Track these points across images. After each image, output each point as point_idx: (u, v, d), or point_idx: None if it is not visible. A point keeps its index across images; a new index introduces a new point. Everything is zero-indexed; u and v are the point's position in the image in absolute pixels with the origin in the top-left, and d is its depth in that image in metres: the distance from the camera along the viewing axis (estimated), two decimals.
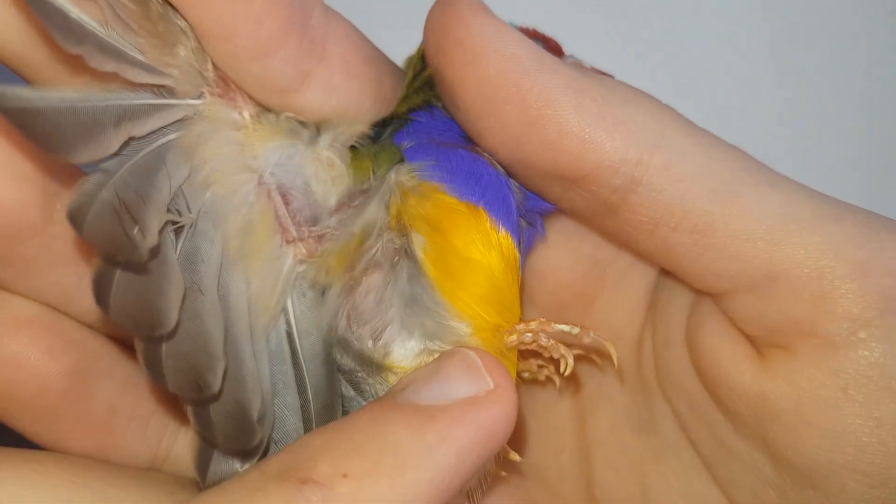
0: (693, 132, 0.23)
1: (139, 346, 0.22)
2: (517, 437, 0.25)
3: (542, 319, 0.24)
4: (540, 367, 0.26)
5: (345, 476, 0.19)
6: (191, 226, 0.23)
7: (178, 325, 0.22)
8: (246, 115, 0.24)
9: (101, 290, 0.21)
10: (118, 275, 0.21)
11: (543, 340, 0.24)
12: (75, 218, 0.20)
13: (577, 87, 0.23)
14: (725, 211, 0.23)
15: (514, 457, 0.24)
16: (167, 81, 0.22)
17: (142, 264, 0.21)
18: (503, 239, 0.24)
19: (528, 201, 0.26)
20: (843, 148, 0.49)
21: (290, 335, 0.25)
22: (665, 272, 0.27)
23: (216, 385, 0.22)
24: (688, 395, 0.26)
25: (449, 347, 0.23)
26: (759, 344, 0.24)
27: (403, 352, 0.24)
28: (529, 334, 0.24)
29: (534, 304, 0.29)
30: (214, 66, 0.23)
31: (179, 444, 0.27)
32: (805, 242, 0.22)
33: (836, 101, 0.48)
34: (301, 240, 0.24)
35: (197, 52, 0.23)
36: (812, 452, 0.23)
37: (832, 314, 0.22)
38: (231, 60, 0.22)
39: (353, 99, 0.24)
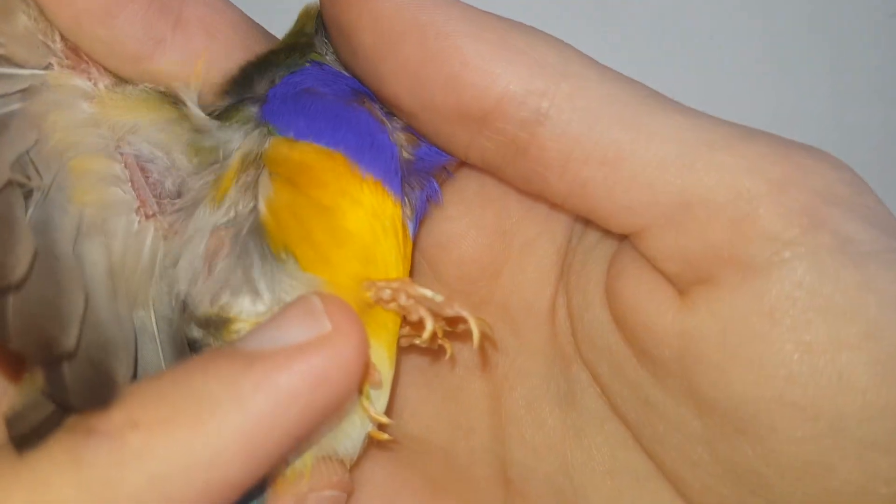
0: (596, 64, 0.22)
1: None
2: (388, 404, 0.23)
3: (407, 280, 0.22)
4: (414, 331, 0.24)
5: (135, 425, 0.18)
6: (43, 192, 0.22)
7: (25, 281, 0.20)
8: (100, 85, 0.23)
9: None
10: None
11: (403, 300, 0.22)
12: None
13: (475, 18, 0.22)
14: (635, 138, 0.21)
15: (383, 419, 0.22)
16: (2, 51, 0.21)
17: None
18: (368, 185, 0.22)
19: (423, 156, 0.24)
20: (842, 150, 0.47)
21: (149, 313, 0.23)
22: (582, 227, 0.26)
23: (68, 346, 0.20)
24: (609, 356, 0.24)
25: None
26: (681, 282, 0.22)
27: (244, 308, 0.22)
28: (388, 291, 0.22)
29: (439, 278, 0.27)
30: (63, 37, 0.22)
31: None
32: (718, 164, 0.21)
33: (836, 102, 0.47)
34: (162, 213, 0.23)
35: (41, 22, 0.22)
36: (738, 388, 0.20)
37: (752, 236, 0.20)
38: (75, 26, 0.22)
39: (216, 65, 0.23)
